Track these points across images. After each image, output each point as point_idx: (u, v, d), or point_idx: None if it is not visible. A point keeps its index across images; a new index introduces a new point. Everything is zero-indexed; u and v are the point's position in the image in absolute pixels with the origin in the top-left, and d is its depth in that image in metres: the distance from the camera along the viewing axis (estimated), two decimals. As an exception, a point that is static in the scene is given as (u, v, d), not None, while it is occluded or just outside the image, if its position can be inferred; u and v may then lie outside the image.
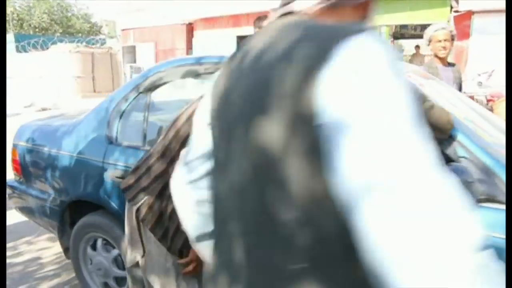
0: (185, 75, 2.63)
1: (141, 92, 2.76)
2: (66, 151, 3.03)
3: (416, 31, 15.76)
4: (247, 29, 16.28)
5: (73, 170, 2.96)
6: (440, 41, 3.93)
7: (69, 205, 3.07)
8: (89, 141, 2.90)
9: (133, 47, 21.80)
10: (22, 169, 3.41)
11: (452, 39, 4.01)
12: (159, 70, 2.73)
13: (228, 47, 16.59)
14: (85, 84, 21.07)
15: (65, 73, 19.78)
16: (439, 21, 11.66)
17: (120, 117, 2.82)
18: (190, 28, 18.55)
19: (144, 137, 2.73)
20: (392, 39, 15.55)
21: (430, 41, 4.02)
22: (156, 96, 2.86)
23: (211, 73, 2.50)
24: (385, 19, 12.67)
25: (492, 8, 10.52)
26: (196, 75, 2.59)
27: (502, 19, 9.46)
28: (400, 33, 15.93)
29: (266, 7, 13.56)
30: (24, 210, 3.55)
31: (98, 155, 2.79)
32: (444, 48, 3.96)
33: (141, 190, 2.01)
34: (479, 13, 10.89)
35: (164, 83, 2.73)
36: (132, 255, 2.16)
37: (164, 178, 1.94)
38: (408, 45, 16.55)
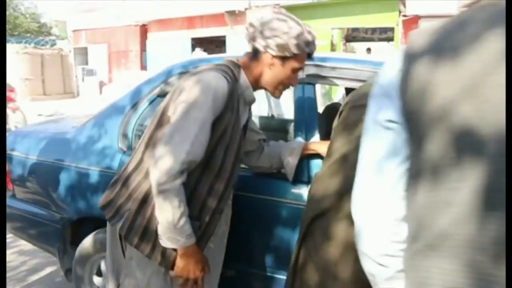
0: None
1: (159, 96, 2.47)
2: (69, 162, 2.65)
3: (367, 34, 16.05)
4: (202, 31, 16.26)
5: (79, 183, 2.60)
6: None
7: (73, 223, 2.70)
8: (98, 150, 2.58)
9: (85, 49, 21.37)
10: (13, 182, 2.97)
11: None
12: (181, 70, 2.46)
13: (182, 49, 16.51)
14: (34, 86, 20.48)
15: (12, 75, 19.12)
16: (390, 25, 11.98)
17: (135, 124, 2.53)
18: (144, 30, 18.37)
19: None
20: (344, 41, 15.76)
21: None
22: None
23: None
24: (337, 22, 12.98)
25: (438, 13, 10.83)
26: None
27: None
28: (352, 36, 16.32)
29: (220, 9, 13.64)
30: (17, 229, 3.08)
31: (109, 166, 2.50)
32: None
33: (120, 205, 1.81)
34: (426, 17, 11.24)
35: None
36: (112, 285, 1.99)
37: (142, 188, 1.76)
38: (360, 47, 17.04)
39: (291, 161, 2.05)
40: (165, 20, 16.95)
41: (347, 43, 16.56)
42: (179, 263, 1.74)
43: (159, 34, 17.58)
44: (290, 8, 12.32)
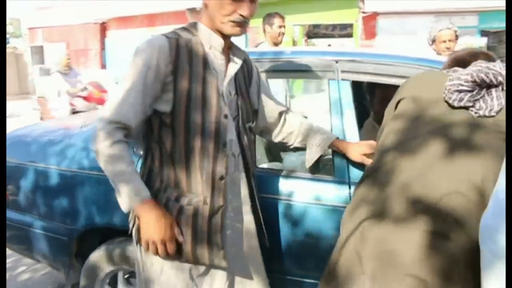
0: None
1: None
2: (78, 169, 2.45)
3: (328, 31, 16.28)
4: (163, 29, 16.10)
5: (89, 191, 2.42)
6: (444, 41, 3.77)
7: (80, 234, 2.50)
8: None
9: (41, 47, 20.79)
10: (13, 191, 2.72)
11: (456, 39, 3.83)
12: None
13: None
14: (-13, 86, 19.78)
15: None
16: (350, 21, 12.13)
17: None
18: (103, 28, 18.03)
19: None
20: (306, 38, 16.08)
21: (433, 41, 3.85)
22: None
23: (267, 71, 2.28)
24: (298, 19, 13.12)
25: (395, 10, 11.25)
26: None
27: (404, 20, 10.70)
28: (313, 32, 16.44)
29: (181, 6, 13.54)
30: (14, 242, 2.81)
31: None
32: (448, 48, 3.78)
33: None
34: (384, 14, 11.65)
35: None
36: None
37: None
38: (321, 44, 17.07)
39: (314, 153, 2.04)
40: (125, 17, 16.70)
41: (308, 40, 16.77)
42: (140, 225, 1.64)
43: (118, 32, 17.31)
44: None
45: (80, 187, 2.45)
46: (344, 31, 16.06)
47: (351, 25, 13.84)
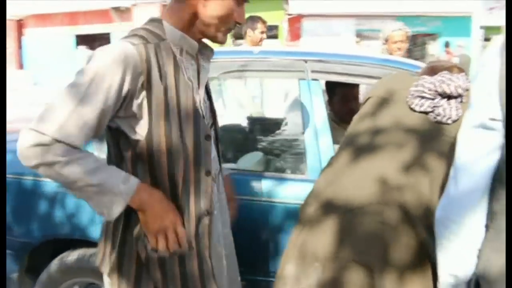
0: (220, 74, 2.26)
1: None
2: (34, 176, 2.22)
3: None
4: (86, 28, 15.57)
5: (45, 200, 2.22)
6: (396, 42, 3.83)
7: (34, 248, 2.29)
8: None
9: (-49, 46, 19.46)
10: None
11: (408, 40, 3.93)
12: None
13: (64, 47, 15.68)
14: None
15: None
16: (275, 23, 12.21)
17: None
18: (19, 25, 17.17)
19: None
20: (233, 39, 16.24)
21: (386, 40, 3.90)
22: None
23: (252, 70, 2.26)
24: None
25: (319, 13, 11.61)
26: (224, 72, 2.24)
27: (328, 22, 11.16)
28: (240, 33, 16.62)
29: (105, 5, 13.22)
30: None
31: None
32: (400, 49, 3.86)
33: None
34: (308, 16, 12.03)
35: None
36: None
37: None
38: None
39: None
40: (44, 15, 15.95)
41: (236, 41, 16.93)
42: (143, 219, 1.33)
43: (37, 30, 16.52)
44: None
45: (29, 195, 2.24)
46: (270, 32, 16.51)
47: (276, 27, 13.92)
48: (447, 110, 1.49)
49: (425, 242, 1.35)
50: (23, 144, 1.21)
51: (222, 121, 1.98)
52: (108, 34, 15.06)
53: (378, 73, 2.08)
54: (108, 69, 1.26)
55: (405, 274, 1.35)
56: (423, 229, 1.35)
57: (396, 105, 1.60)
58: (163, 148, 1.34)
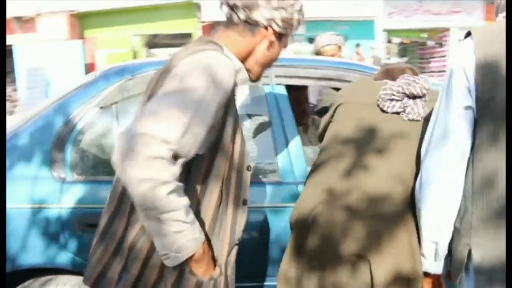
0: None
1: (102, 107, 2.13)
2: None
3: (168, 40, 15.38)
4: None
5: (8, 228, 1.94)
6: (329, 55, 3.80)
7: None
8: (28, 182, 2.02)
9: None
10: None
11: (340, 49, 3.99)
12: (125, 77, 2.18)
13: None
14: None
15: None
16: (189, 30, 13.46)
17: (74, 144, 2.09)
18: None
19: None
20: (146, 48, 15.09)
21: (317, 54, 3.85)
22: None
23: None
24: (137, 29, 12.68)
25: None
26: None
27: None
28: (153, 42, 15.59)
29: (8, 14, 19.55)
30: None
31: (44, 200, 1.99)
32: None
33: (106, 267, 1.36)
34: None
35: (136, 95, 2.14)
36: None
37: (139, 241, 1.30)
38: (162, 53, 13.97)
39: None
40: None
41: (149, 50, 15.50)
42: (199, 268, 1.27)
43: None
44: (86, 15, 12.22)
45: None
46: (184, 40, 10.86)
47: (190, 35, 12.67)
48: (415, 108, 1.72)
49: (373, 232, 1.55)
50: (143, 152, 1.08)
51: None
52: (10, 46, 10.84)
53: (337, 75, 2.30)
54: (224, 81, 1.24)
55: (358, 264, 1.56)
56: (370, 220, 1.57)
57: (369, 108, 1.78)
58: (219, 170, 1.32)
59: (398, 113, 1.74)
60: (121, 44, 12.33)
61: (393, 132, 1.74)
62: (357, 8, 12.79)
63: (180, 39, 15.57)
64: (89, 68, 12.37)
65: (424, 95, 1.76)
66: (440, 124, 1.36)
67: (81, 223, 2.03)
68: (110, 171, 2.02)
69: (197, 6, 12.47)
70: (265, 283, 2.20)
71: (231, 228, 1.37)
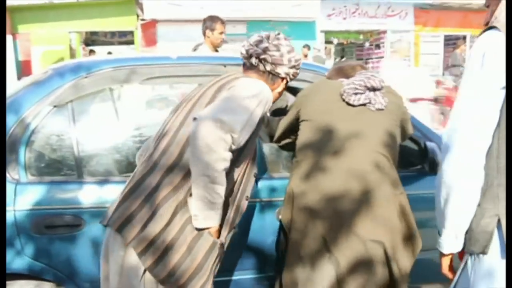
0: (127, 80, 2.22)
1: (56, 106, 2.10)
2: None
3: (107, 38, 15.61)
4: None
5: None
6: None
7: None
8: None
9: None
10: None
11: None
12: (80, 75, 2.15)
13: None
14: None
15: None
16: (129, 28, 12.77)
17: (27, 143, 2.05)
18: None
19: (77, 165, 2.10)
20: (83, 45, 14.88)
21: None
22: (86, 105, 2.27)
23: (171, 76, 2.30)
24: (74, 26, 12.24)
25: (173, 18, 12.77)
26: (146, 79, 2.23)
27: (183, 28, 13.27)
28: (91, 39, 15.57)
29: None
30: None
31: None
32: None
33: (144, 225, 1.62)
34: (163, 22, 12.59)
35: (92, 93, 2.19)
36: None
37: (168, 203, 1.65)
38: (100, 51, 14.24)
39: None
40: None
41: (87, 47, 15.20)
42: (215, 233, 1.71)
43: None
44: (18, 9, 11.58)
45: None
46: (124, 38, 15.29)
47: (131, 32, 12.47)
48: (377, 99, 1.93)
49: (332, 229, 1.76)
50: (216, 132, 1.55)
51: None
52: None
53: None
54: (268, 100, 1.80)
55: (316, 260, 1.77)
56: (325, 220, 1.77)
57: (337, 104, 1.97)
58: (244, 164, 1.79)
59: (364, 104, 1.93)
60: (58, 41, 11.82)
61: (351, 133, 1.91)
62: (296, 9, 13.05)
63: (119, 37, 15.88)
64: (24, 65, 11.85)
65: (382, 87, 1.98)
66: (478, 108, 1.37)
67: (37, 225, 1.99)
68: (66, 171, 2.13)
69: (138, 4, 12.24)
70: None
71: (233, 215, 1.78)
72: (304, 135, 1.99)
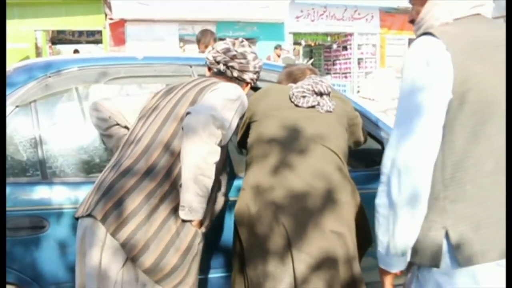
0: (91, 80, 2.22)
1: (18, 106, 2.06)
2: None
3: (74, 37, 15.69)
4: None
5: None
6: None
7: None
8: None
9: None
10: None
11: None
12: (44, 74, 2.12)
13: None
14: None
15: None
16: (97, 27, 12.53)
17: None
18: None
19: (41, 167, 2.07)
20: (50, 44, 14.83)
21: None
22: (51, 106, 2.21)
23: (138, 76, 2.32)
24: (40, 24, 11.93)
25: (142, 18, 12.60)
26: (112, 79, 2.23)
27: (151, 27, 13.16)
28: (58, 38, 15.60)
29: None
30: None
31: None
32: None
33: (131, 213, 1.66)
34: (131, 21, 12.40)
35: (57, 93, 2.17)
36: None
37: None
38: (67, 50, 16.00)
39: None
40: None
41: (53, 46, 15.85)
42: (198, 224, 1.79)
43: None
44: None
45: None
46: (92, 37, 15.38)
47: (99, 31, 12.29)
48: (325, 103, 2.04)
49: (297, 225, 1.82)
50: (209, 127, 1.68)
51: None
52: None
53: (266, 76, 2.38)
54: (246, 102, 2.02)
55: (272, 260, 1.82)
56: (288, 215, 1.83)
57: (287, 106, 2.06)
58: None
59: (313, 106, 2.03)
60: (23, 39, 11.47)
61: (313, 133, 1.98)
62: (264, 11, 13.11)
63: (87, 36, 15.80)
64: (-13, 63, 11.51)
65: (329, 93, 2.09)
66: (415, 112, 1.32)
67: (0, 227, 1.96)
68: (28, 172, 2.10)
69: (106, 3, 12.07)
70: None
71: (211, 211, 1.91)
72: (257, 132, 2.06)
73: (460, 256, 1.31)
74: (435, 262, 1.35)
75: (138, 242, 1.65)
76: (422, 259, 1.38)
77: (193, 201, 1.69)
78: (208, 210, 1.84)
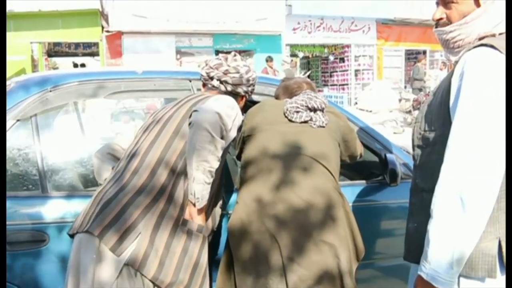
0: (92, 94, 2.24)
1: (19, 120, 2.07)
2: None
3: (70, 49, 15.72)
4: None
5: None
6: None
7: None
8: None
9: None
10: None
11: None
12: (45, 89, 2.13)
13: None
14: None
15: None
16: (94, 40, 12.56)
17: None
18: None
19: (41, 181, 2.06)
20: (46, 56, 14.78)
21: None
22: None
23: (135, 91, 2.33)
24: (36, 36, 12.00)
25: (138, 30, 12.76)
26: (111, 93, 2.24)
27: (148, 40, 13.48)
28: (54, 50, 15.68)
29: None
30: None
31: None
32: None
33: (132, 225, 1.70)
34: (128, 34, 12.58)
35: (58, 107, 2.23)
36: None
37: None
38: (63, 62, 15.94)
39: None
40: None
41: (50, 58, 15.76)
42: (200, 215, 1.82)
43: None
44: None
45: None
46: (88, 49, 15.50)
47: (96, 44, 12.40)
48: (318, 118, 2.09)
49: (298, 240, 1.86)
50: (217, 121, 1.76)
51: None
52: None
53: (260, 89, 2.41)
54: (240, 114, 2.01)
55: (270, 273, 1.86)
56: (293, 229, 1.88)
57: (280, 120, 2.11)
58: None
59: (306, 121, 2.07)
60: (19, 51, 11.54)
61: (314, 152, 2.03)
62: (261, 23, 13.26)
63: (84, 49, 15.79)
64: (-17, 75, 11.53)
65: (323, 108, 2.12)
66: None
67: (0, 241, 1.95)
68: (29, 186, 2.10)
69: (103, 15, 12.18)
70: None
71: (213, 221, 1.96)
72: (251, 147, 2.11)
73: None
74: (490, 273, 1.33)
75: (152, 262, 1.71)
76: (473, 271, 1.33)
77: (204, 189, 1.76)
78: (214, 217, 1.93)
